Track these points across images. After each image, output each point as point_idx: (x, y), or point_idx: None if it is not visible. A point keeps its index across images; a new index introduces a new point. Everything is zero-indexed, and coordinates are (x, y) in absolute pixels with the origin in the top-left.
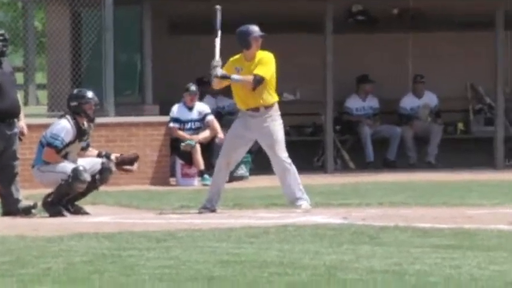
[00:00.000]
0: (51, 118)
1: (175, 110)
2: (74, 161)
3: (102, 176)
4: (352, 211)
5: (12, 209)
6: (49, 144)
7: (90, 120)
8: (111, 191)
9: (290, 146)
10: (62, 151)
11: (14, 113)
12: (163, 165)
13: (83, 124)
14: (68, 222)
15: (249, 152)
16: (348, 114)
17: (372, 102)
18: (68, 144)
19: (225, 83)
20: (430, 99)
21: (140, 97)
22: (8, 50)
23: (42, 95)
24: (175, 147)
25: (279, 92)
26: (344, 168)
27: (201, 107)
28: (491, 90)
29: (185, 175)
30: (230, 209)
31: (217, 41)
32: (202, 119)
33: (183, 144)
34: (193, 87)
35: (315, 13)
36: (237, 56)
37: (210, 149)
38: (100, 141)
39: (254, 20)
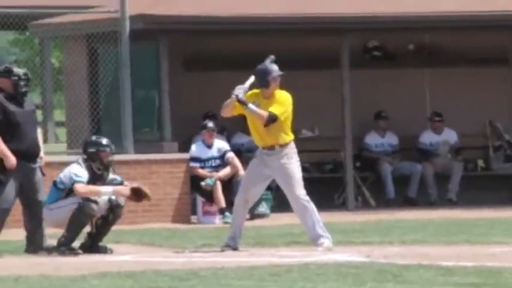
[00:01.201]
0: (71, 156)
1: (195, 149)
2: None
3: (114, 214)
4: (374, 249)
5: (37, 246)
6: (75, 182)
7: (105, 168)
8: (133, 230)
9: (310, 183)
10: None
11: (33, 153)
12: (184, 202)
13: (98, 169)
14: (91, 261)
15: (270, 189)
16: (367, 151)
17: (391, 139)
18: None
19: (235, 111)
20: (449, 136)
21: (159, 134)
22: (29, 89)
23: (61, 132)
24: (195, 184)
25: (297, 128)
26: (365, 206)
27: (221, 144)
28: (510, 126)
29: (206, 213)
30: (252, 247)
31: (252, 77)
32: (222, 156)
33: (203, 183)
34: (210, 124)
35: (331, 49)
36: (256, 91)
37: (230, 186)
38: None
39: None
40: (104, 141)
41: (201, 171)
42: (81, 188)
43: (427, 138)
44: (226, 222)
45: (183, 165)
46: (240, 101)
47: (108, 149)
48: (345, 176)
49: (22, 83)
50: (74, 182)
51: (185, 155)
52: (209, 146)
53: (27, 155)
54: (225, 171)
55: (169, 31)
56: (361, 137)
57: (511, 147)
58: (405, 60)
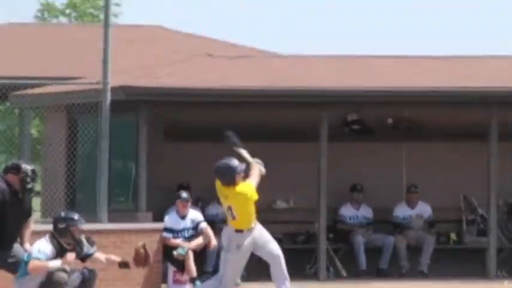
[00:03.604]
0: (44, 225)
1: (168, 219)
2: None
3: (86, 287)
4: None
5: None
6: (32, 258)
7: (76, 242)
8: None
9: (283, 254)
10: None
11: (7, 245)
12: (156, 271)
13: (68, 244)
14: None
15: None
16: (341, 223)
17: (366, 212)
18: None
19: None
20: (423, 209)
21: (134, 204)
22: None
23: (35, 202)
24: (167, 253)
25: (272, 199)
26: (336, 276)
27: (194, 215)
28: (484, 201)
29: (177, 281)
30: None
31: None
32: (195, 226)
33: (175, 252)
34: (184, 194)
35: (310, 122)
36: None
37: (203, 255)
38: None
39: (249, 128)
40: (74, 216)
41: (173, 241)
42: (31, 265)
43: (401, 211)
44: None
45: (155, 234)
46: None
47: (78, 224)
48: (318, 247)
49: (29, 179)
50: (30, 258)
51: (159, 225)
52: (183, 217)
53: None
54: (198, 241)
55: (150, 102)
56: (336, 208)
57: (484, 222)
58: (384, 134)
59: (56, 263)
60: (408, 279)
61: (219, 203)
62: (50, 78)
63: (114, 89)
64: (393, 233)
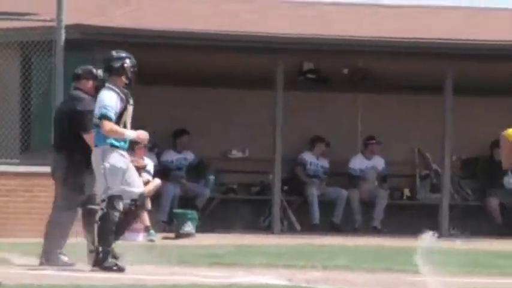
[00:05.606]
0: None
1: None
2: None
3: (133, 213)
4: (296, 273)
5: None
6: (102, 117)
7: (130, 81)
8: None
9: (237, 205)
10: (118, 123)
11: None
12: None
13: (126, 85)
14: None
15: (196, 209)
16: (301, 166)
17: (323, 162)
18: (121, 114)
19: None
20: (377, 162)
21: None
22: None
23: None
24: None
25: (228, 148)
26: (290, 229)
27: (147, 162)
28: (438, 156)
29: (130, 229)
30: (174, 266)
31: None
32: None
33: None
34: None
35: (265, 69)
36: None
37: (157, 204)
38: (49, 186)
39: (205, 74)
40: (125, 53)
41: None
42: (107, 126)
43: (357, 164)
44: (150, 240)
45: None
46: None
47: (131, 61)
48: (272, 199)
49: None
50: (101, 115)
51: None
52: None
53: None
54: (148, 188)
55: (105, 42)
56: (291, 158)
57: (438, 177)
58: (339, 84)
59: (132, 134)
60: (361, 235)
61: (174, 150)
62: (2, 13)
63: (68, 27)
64: (347, 187)
